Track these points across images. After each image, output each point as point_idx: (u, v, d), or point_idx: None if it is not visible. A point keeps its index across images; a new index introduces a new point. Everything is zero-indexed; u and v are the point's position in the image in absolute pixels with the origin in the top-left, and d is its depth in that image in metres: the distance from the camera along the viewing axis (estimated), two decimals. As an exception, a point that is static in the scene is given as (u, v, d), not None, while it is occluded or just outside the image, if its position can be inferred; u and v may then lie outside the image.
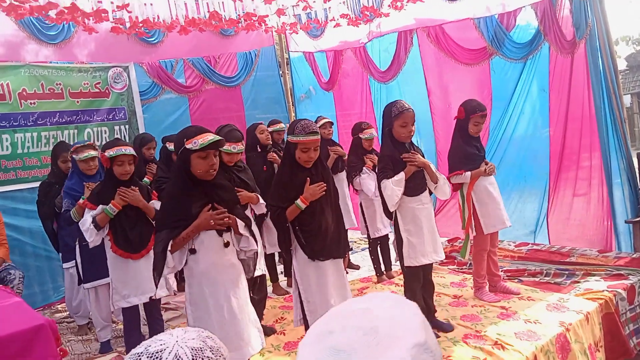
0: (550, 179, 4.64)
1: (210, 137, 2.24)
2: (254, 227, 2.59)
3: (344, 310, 0.75)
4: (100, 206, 2.93)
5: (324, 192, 2.62)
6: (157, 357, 0.83)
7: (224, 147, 3.18)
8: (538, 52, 4.66)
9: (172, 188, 2.42)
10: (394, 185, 2.96)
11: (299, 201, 2.58)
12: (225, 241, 2.35)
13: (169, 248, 2.23)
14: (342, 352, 0.66)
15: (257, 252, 2.53)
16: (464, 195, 3.54)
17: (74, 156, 3.51)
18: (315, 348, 0.68)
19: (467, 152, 3.49)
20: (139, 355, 0.85)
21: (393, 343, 0.66)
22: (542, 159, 4.69)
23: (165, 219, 2.33)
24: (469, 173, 3.46)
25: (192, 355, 0.85)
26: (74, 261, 3.66)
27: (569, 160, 4.52)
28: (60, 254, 4.05)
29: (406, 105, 3.04)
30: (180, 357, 0.84)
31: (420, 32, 5.56)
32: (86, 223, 2.91)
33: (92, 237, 2.91)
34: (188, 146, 2.24)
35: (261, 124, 4.22)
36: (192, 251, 2.30)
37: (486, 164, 3.52)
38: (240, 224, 2.40)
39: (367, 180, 4.20)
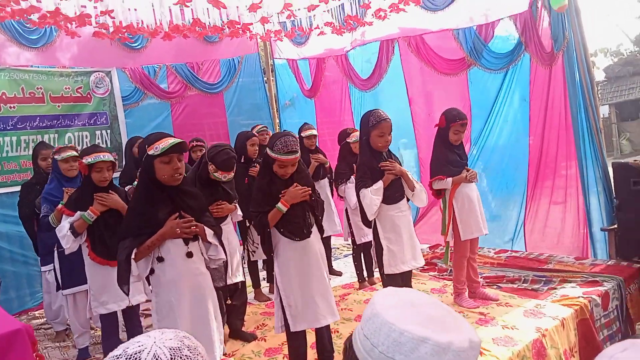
0: (529, 187, 4.73)
1: (171, 141, 2.23)
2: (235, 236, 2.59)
3: (405, 292, 0.96)
4: (78, 212, 2.90)
5: (306, 197, 2.63)
6: (136, 358, 0.84)
7: (216, 174, 3.18)
8: (519, 62, 4.75)
9: (137, 195, 2.39)
10: (373, 195, 3.00)
11: (279, 204, 2.60)
12: (188, 251, 2.32)
13: (133, 256, 2.20)
14: (436, 320, 0.85)
15: (226, 262, 2.52)
16: (446, 201, 3.60)
17: (55, 157, 3.47)
18: (406, 313, 0.85)
19: (448, 159, 3.55)
20: (118, 358, 0.86)
21: (461, 321, 0.89)
22: (522, 167, 4.78)
23: (130, 226, 2.30)
24: (450, 179, 3.51)
25: (171, 355, 0.86)
26: (53, 265, 3.62)
27: (547, 168, 4.62)
28: (39, 257, 3.99)
29: (383, 115, 3.08)
30: (158, 356, 0.85)
31: (402, 42, 5.65)
32: (63, 229, 2.88)
33: (69, 244, 2.88)
34: (150, 152, 2.24)
35: (255, 136, 4.18)
36: (160, 259, 2.27)
37: (467, 170, 3.58)
38: (209, 232, 2.38)
39: (352, 190, 4.22)
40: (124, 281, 2.23)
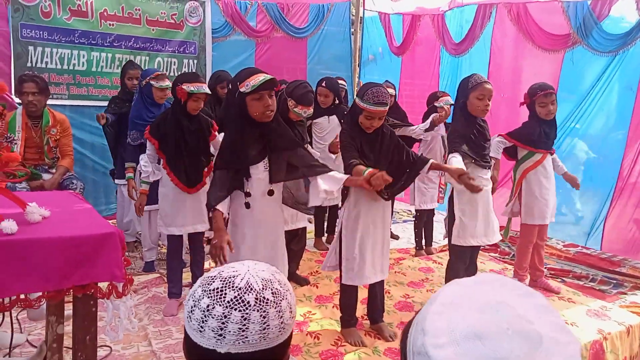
0: (618, 184, 4.38)
1: (261, 77, 2.22)
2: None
3: (474, 301, 0.64)
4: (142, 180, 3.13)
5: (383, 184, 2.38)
6: (230, 282, 0.86)
7: (296, 110, 3.19)
8: (632, 47, 4.32)
9: (230, 131, 2.44)
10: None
11: (366, 174, 2.37)
12: (269, 189, 2.37)
13: (212, 211, 2.25)
14: None
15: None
16: (516, 176, 3.47)
17: (152, 82, 3.55)
18: (467, 354, 0.59)
19: (535, 129, 3.38)
20: (213, 279, 0.88)
21: (559, 352, 0.58)
22: (614, 161, 4.41)
23: (223, 159, 2.36)
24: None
25: (263, 285, 0.87)
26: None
27: (640, 168, 4.27)
28: (116, 171, 4.18)
29: (484, 78, 2.97)
30: (251, 284, 0.86)
31: (501, 8, 5.26)
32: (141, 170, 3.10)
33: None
34: (242, 89, 2.24)
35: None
36: (247, 194, 2.32)
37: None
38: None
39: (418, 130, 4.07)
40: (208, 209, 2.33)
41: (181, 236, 3.28)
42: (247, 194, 2.34)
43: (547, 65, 4.94)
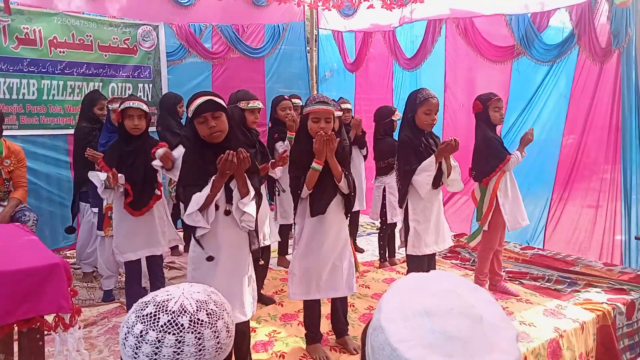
0: (555, 189, 4.54)
1: (199, 100, 2.25)
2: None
3: (427, 288, 0.73)
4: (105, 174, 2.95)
5: (330, 143, 2.48)
6: (163, 306, 0.87)
7: (250, 105, 3.17)
8: (567, 57, 4.55)
9: (188, 153, 2.48)
10: (426, 171, 2.97)
11: (314, 164, 2.55)
12: (226, 209, 2.34)
13: (198, 208, 2.21)
14: (456, 340, 0.63)
15: (256, 228, 2.53)
16: (490, 188, 3.53)
17: (108, 106, 3.57)
18: (416, 328, 0.65)
19: (496, 145, 3.50)
20: (146, 304, 0.89)
21: (497, 334, 0.66)
22: (550, 167, 4.58)
23: (187, 178, 2.36)
24: (518, 152, 3.51)
25: (197, 307, 0.88)
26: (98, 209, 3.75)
27: (584, 169, 4.44)
28: (90, 200, 4.00)
29: (431, 93, 3.07)
30: (185, 307, 0.87)
31: (450, 23, 5.47)
32: (99, 185, 2.96)
33: (105, 195, 3.00)
34: (189, 114, 2.32)
35: (285, 99, 4.10)
36: (227, 213, 2.31)
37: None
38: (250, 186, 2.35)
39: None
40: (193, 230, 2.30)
41: (138, 261, 3.22)
42: (227, 212, 2.32)
43: (497, 76, 5.15)
